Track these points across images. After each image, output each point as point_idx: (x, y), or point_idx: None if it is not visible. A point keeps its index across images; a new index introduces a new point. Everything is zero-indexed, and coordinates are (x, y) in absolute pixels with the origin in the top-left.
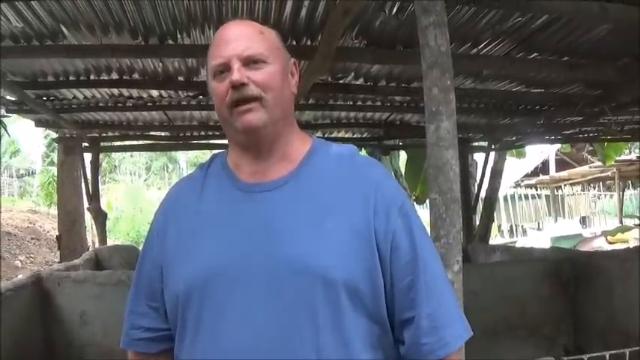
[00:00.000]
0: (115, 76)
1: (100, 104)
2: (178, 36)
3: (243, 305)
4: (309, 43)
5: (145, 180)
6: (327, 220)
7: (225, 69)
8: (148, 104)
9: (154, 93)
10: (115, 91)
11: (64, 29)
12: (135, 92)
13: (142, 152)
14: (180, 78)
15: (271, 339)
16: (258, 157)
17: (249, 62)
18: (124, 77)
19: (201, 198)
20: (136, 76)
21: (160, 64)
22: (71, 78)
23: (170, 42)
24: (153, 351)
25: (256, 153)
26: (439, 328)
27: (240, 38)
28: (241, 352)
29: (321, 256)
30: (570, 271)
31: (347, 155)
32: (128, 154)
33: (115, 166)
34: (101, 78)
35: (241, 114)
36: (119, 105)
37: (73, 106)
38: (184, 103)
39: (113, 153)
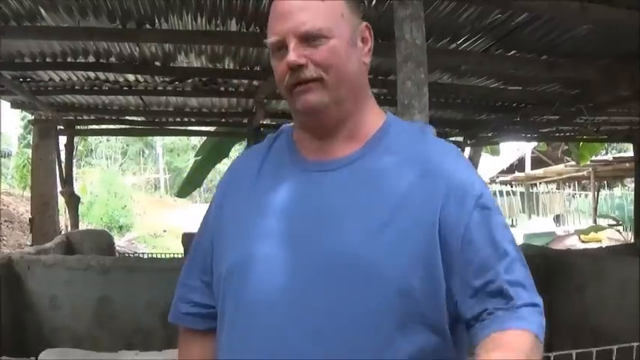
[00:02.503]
0: (91, 59)
1: (76, 87)
2: (156, 21)
3: (279, 296)
4: None
5: (120, 165)
6: (385, 210)
7: (282, 45)
8: (124, 88)
9: (131, 77)
10: (92, 74)
11: (41, 10)
12: (111, 76)
13: (117, 137)
14: (157, 63)
15: (305, 337)
16: (322, 137)
17: (308, 39)
18: (101, 60)
19: (260, 173)
20: (112, 59)
21: (137, 48)
22: (48, 60)
23: (148, 26)
24: (200, 328)
25: (319, 134)
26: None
27: (296, 11)
28: (273, 347)
29: (372, 249)
30: (542, 268)
31: (419, 135)
32: (104, 138)
33: (91, 150)
34: (78, 61)
35: (300, 94)
36: (95, 88)
37: (49, 89)
38: (160, 88)
39: (89, 137)
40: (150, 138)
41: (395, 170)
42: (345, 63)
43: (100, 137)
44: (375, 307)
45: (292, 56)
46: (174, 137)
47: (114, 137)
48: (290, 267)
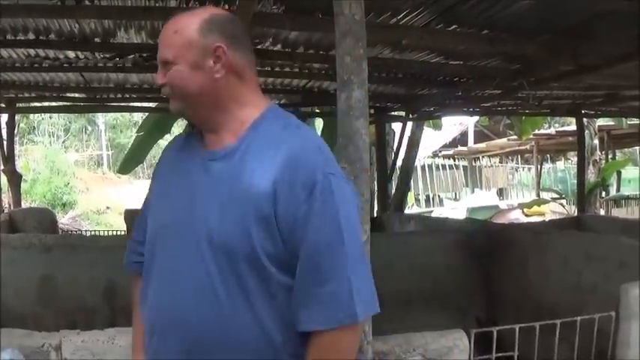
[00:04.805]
0: (31, 36)
1: (17, 64)
2: None
3: (166, 267)
4: (226, 7)
5: (63, 142)
6: (237, 197)
7: None
8: (64, 65)
9: (71, 54)
10: (32, 51)
11: None
12: (51, 53)
13: (60, 114)
14: (97, 39)
15: (183, 299)
16: (206, 131)
17: (165, 64)
18: (41, 37)
19: (177, 158)
20: (52, 36)
21: (77, 25)
22: None
23: (87, 3)
24: None
25: (203, 129)
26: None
27: (160, 41)
28: (160, 306)
29: (223, 229)
30: (484, 242)
31: (280, 131)
32: (47, 115)
33: (34, 128)
34: (18, 38)
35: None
36: (35, 66)
37: None
38: (101, 64)
39: (31, 114)
40: (92, 115)
41: (254, 161)
42: (186, 84)
43: (42, 115)
44: (229, 274)
45: (158, 78)
46: (116, 114)
47: (56, 114)
48: (173, 243)
